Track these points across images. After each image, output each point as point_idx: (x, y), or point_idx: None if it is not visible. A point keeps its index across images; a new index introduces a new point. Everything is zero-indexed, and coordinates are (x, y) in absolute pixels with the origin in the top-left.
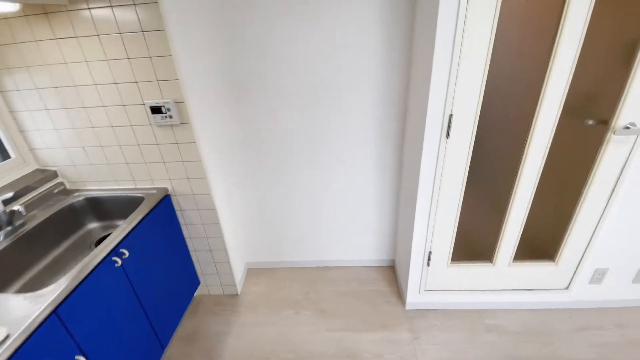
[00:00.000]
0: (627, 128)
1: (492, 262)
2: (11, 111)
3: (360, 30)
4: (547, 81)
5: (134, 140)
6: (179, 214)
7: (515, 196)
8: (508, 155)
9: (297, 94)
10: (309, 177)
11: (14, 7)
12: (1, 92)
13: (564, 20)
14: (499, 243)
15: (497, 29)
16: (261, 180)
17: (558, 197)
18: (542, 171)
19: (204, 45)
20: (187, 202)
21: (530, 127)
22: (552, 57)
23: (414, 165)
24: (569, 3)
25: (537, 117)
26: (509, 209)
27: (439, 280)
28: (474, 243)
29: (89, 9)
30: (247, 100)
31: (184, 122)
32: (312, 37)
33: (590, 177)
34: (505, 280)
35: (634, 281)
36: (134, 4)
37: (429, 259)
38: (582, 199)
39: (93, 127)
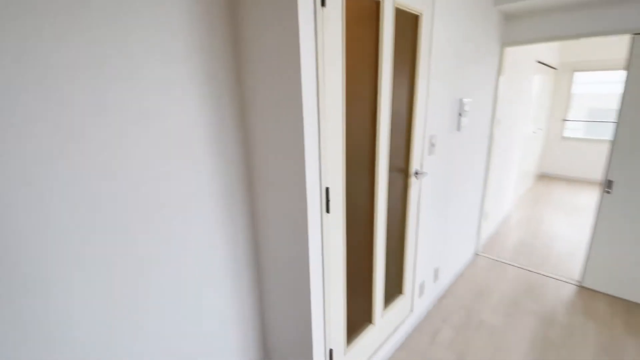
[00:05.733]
0: (416, 173)
1: (373, 323)
2: None
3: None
4: (378, 139)
5: None
6: None
7: (377, 257)
8: (365, 215)
9: None
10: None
11: None
12: None
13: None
14: (374, 303)
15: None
16: None
17: (397, 242)
18: (386, 225)
19: None
20: None
21: (375, 189)
22: (377, 130)
23: (290, 251)
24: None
25: (377, 173)
26: (375, 270)
27: None
28: (353, 314)
29: None
30: None
31: None
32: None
33: (407, 214)
34: (382, 333)
35: (435, 280)
36: None
37: (331, 358)
38: (405, 237)
39: None
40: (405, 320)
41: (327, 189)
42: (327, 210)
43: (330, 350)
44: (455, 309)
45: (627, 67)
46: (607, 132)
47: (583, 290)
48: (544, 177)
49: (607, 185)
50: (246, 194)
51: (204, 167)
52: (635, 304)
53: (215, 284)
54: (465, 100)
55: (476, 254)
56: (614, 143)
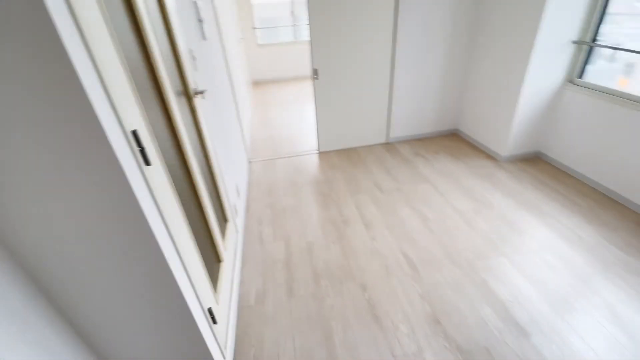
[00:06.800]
0: (198, 93)
1: (222, 260)
2: None
3: None
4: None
5: None
6: None
7: (202, 197)
8: (176, 155)
9: None
10: None
11: None
12: None
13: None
14: (216, 242)
15: None
16: None
17: (207, 173)
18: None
19: None
20: None
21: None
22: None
23: (118, 241)
24: None
25: (169, 102)
26: (205, 210)
27: (221, 324)
28: (207, 263)
29: None
30: None
31: None
32: None
33: (204, 140)
34: (230, 263)
35: (239, 196)
36: None
37: (212, 316)
38: (211, 165)
39: None
40: (237, 241)
41: (134, 133)
42: (147, 162)
43: (209, 310)
44: (261, 209)
45: None
46: (287, 35)
47: (322, 154)
48: (256, 83)
49: (315, 73)
50: None
51: None
52: (350, 149)
53: None
54: (199, 3)
55: (249, 161)
56: (311, 41)
